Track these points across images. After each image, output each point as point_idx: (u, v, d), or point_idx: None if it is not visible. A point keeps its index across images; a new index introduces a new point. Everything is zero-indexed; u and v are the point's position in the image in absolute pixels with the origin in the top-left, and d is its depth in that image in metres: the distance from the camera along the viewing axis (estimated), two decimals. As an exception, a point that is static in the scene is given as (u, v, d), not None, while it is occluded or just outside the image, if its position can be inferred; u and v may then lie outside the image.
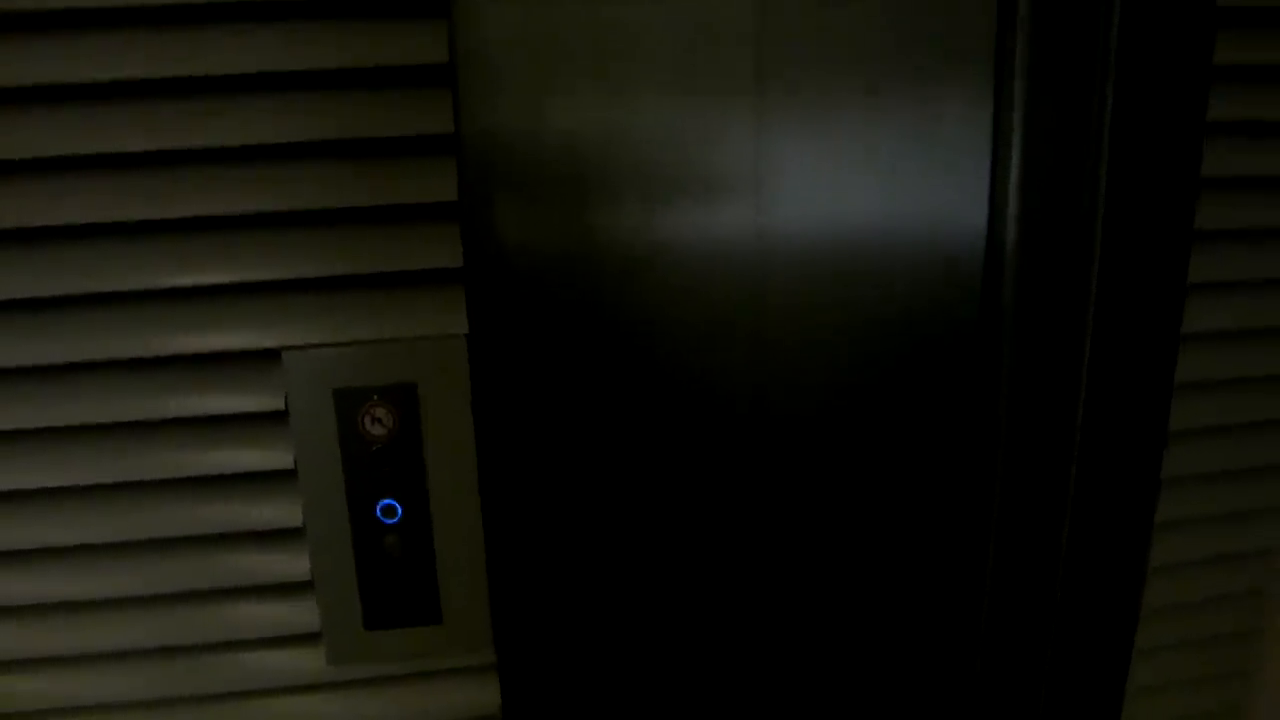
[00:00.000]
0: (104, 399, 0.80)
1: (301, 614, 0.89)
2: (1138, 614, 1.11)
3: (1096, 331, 1.06)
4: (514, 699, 0.96)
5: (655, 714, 1.04)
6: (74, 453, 0.82)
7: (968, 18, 0.99)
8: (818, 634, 1.10)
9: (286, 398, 0.82)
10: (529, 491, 0.92)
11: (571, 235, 0.87)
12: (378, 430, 0.83)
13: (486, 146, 0.81)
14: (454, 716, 0.94)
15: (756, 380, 1.01)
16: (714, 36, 0.90)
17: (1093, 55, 1.01)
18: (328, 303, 0.81)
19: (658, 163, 0.89)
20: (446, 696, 0.94)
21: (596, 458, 0.95)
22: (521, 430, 0.90)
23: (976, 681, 1.12)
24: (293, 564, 0.88)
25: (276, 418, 0.83)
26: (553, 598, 0.98)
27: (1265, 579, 1.13)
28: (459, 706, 0.94)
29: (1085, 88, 1.02)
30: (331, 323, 0.81)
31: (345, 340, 0.82)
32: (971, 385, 1.05)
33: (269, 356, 0.82)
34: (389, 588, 0.88)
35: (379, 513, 0.85)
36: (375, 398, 0.82)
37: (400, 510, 0.86)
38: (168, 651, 0.89)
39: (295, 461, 0.84)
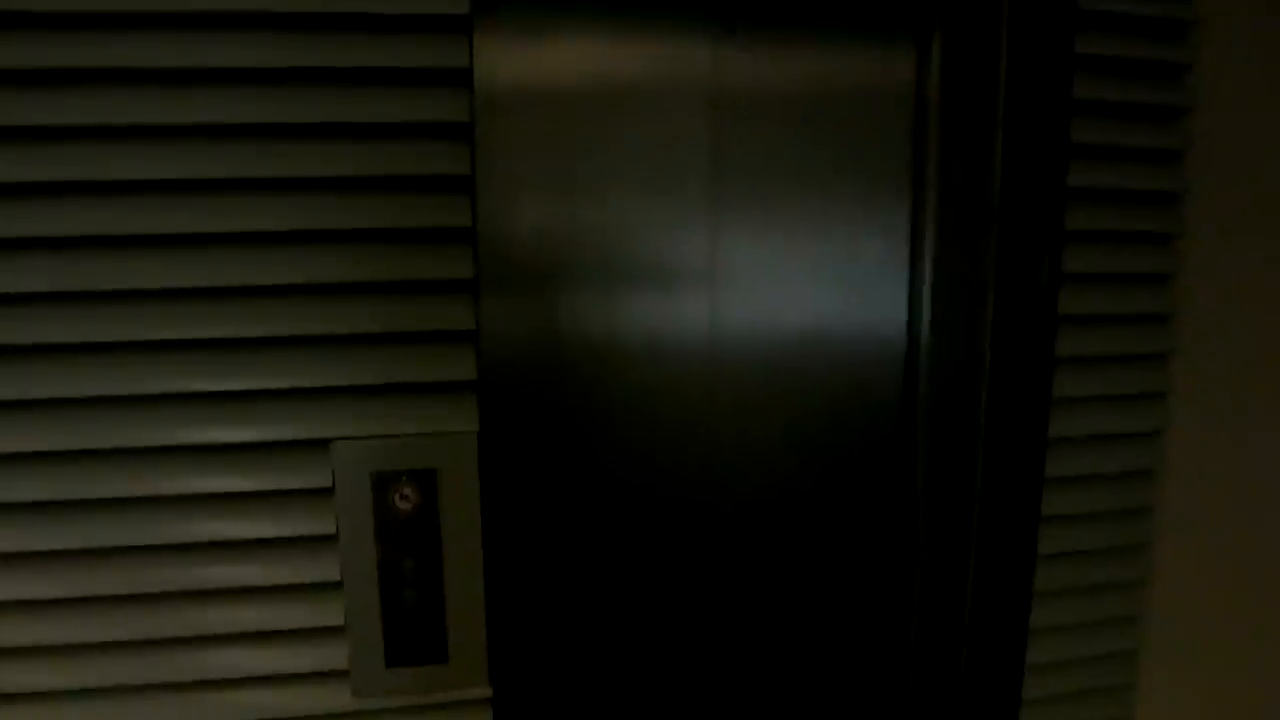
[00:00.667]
0: (193, 474, 1.02)
1: (330, 656, 1.10)
2: (1028, 620, 1.33)
3: (989, 411, 1.30)
4: (505, 728, 1.16)
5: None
6: (162, 516, 1.03)
7: (889, 151, 1.25)
8: (771, 669, 1.31)
9: (333, 477, 1.04)
10: (523, 556, 1.14)
11: (559, 339, 1.11)
12: (404, 505, 1.05)
13: (500, 278, 1.05)
14: (455, 742, 1.14)
15: (709, 461, 1.24)
16: (674, 157, 1.16)
17: (984, 197, 1.27)
18: (368, 404, 1.04)
19: (624, 267, 1.14)
20: (449, 725, 1.14)
21: (577, 529, 1.17)
22: (518, 507, 1.12)
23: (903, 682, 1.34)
24: (328, 613, 1.08)
25: (323, 493, 1.05)
26: (541, 644, 1.19)
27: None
28: (459, 733, 1.14)
29: (980, 222, 1.27)
30: (371, 420, 1.04)
31: (382, 434, 1.04)
32: (894, 461, 1.29)
33: (320, 445, 1.04)
34: (406, 632, 1.09)
35: (402, 571, 1.07)
36: (404, 479, 1.05)
37: (417, 568, 1.07)
38: (218, 684, 1.09)
39: (337, 528, 1.05)
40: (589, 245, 1.16)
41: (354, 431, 1.04)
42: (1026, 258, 1.28)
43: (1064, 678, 1.36)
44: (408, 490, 1.05)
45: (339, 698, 1.11)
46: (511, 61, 1.13)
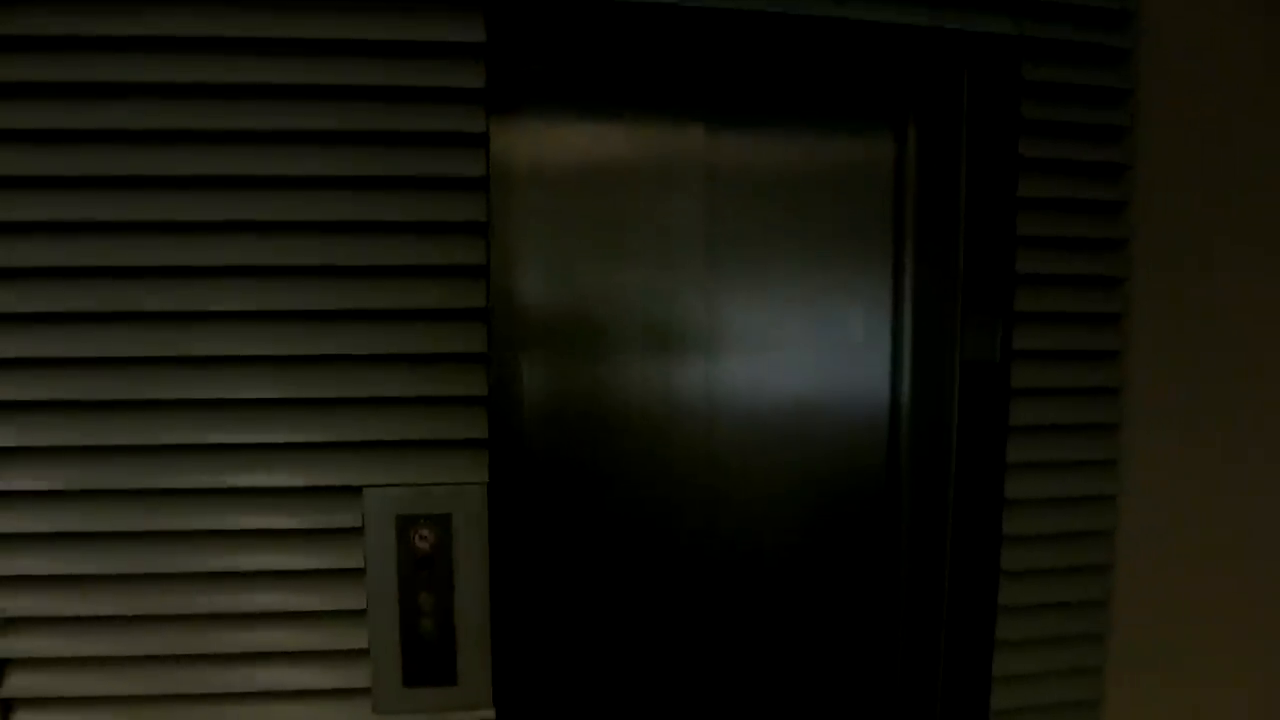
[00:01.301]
0: (243, 513, 1.20)
1: (354, 676, 1.26)
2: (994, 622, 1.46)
3: (959, 470, 1.45)
4: (505, 745, 1.32)
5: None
6: (214, 548, 1.21)
7: (873, 226, 1.43)
8: (762, 694, 1.47)
9: (363, 519, 1.21)
10: (526, 593, 1.31)
11: (563, 402, 1.28)
12: (423, 545, 1.22)
13: (510, 352, 1.23)
14: (461, 756, 1.29)
15: (705, 513, 1.41)
16: (673, 233, 1.34)
17: (949, 278, 1.43)
18: (395, 458, 1.21)
19: (623, 335, 1.32)
20: (456, 741, 1.29)
21: (577, 571, 1.34)
22: (523, 550, 1.29)
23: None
24: (353, 638, 1.25)
25: (353, 533, 1.22)
26: (541, 672, 1.35)
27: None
28: (465, 749, 1.30)
29: (948, 300, 1.43)
30: (397, 470, 1.21)
31: (405, 483, 1.21)
32: (881, 515, 1.46)
33: (353, 491, 1.21)
34: (422, 657, 1.25)
35: (419, 602, 1.23)
36: (423, 522, 1.21)
37: (433, 601, 1.24)
38: (255, 696, 1.25)
39: (365, 563, 1.22)
40: (592, 317, 1.34)
41: (382, 480, 1.22)
42: (984, 335, 1.44)
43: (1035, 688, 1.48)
44: (426, 532, 1.21)
45: (361, 713, 1.27)
46: (521, 166, 1.33)
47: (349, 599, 1.24)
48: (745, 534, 1.47)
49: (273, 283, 1.18)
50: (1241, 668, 1.55)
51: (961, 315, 1.45)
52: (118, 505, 1.20)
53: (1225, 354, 1.49)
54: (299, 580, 1.23)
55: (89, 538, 1.20)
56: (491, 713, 1.29)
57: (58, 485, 1.19)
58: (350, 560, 1.23)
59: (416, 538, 1.21)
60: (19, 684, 1.22)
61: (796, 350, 1.47)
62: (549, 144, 1.37)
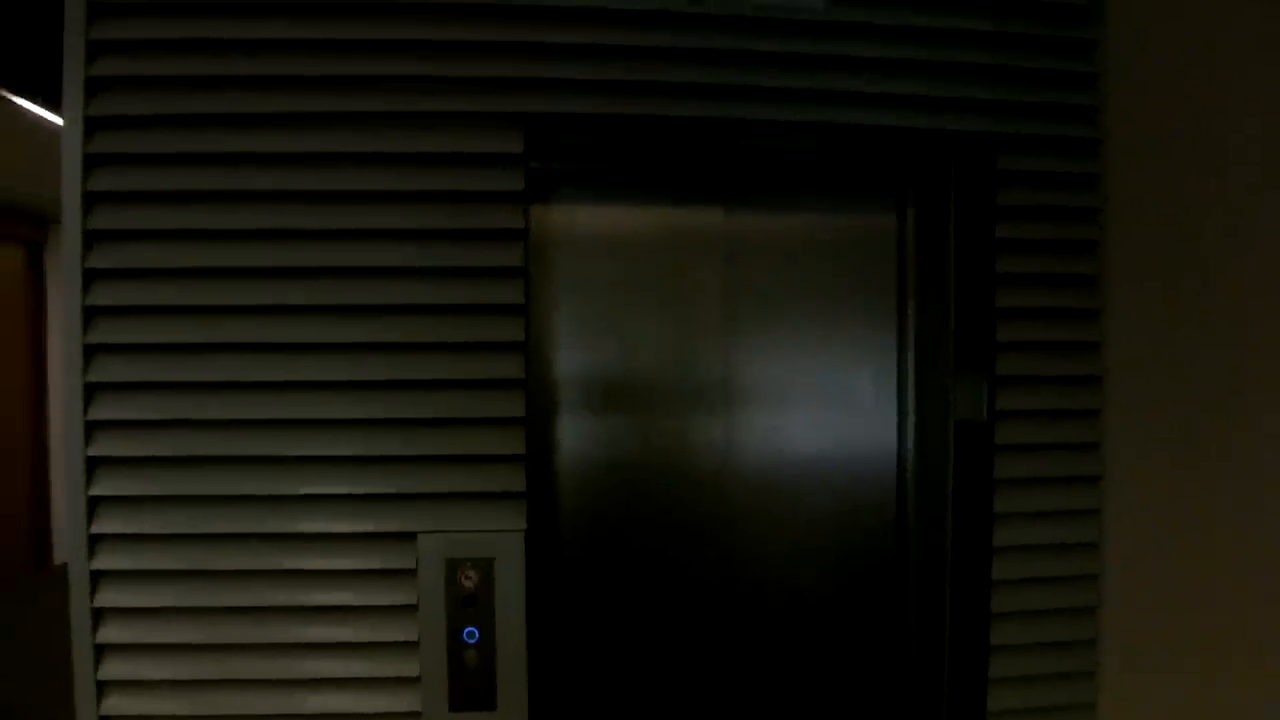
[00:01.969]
0: (314, 555, 1.39)
1: (406, 700, 1.43)
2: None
3: (954, 518, 1.60)
4: (539, 765, 1.48)
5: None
6: (286, 585, 1.39)
7: (878, 289, 1.61)
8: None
9: (417, 561, 1.39)
10: (559, 629, 1.48)
11: (592, 458, 1.47)
12: (468, 584, 1.39)
13: (545, 416, 1.42)
14: (501, 774, 1.46)
15: (724, 559, 1.59)
16: (693, 303, 1.53)
17: (944, 345, 1.59)
18: (445, 508, 1.40)
19: (647, 395, 1.52)
20: (496, 760, 1.46)
21: (605, 610, 1.51)
22: (557, 590, 1.46)
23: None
24: (406, 667, 1.42)
25: (408, 573, 1.40)
26: (572, 698, 1.52)
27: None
28: (504, 768, 1.46)
29: (942, 366, 1.59)
30: (446, 519, 1.39)
31: (453, 529, 1.39)
32: (890, 563, 1.61)
33: (408, 537, 1.39)
34: (465, 683, 1.42)
35: (464, 635, 1.41)
36: (468, 564, 1.39)
37: (477, 635, 1.41)
38: (318, 718, 1.43)
39: (418, 600, 1.40)
40: (618, 383, 1.53)
41: (433, 527, 1.40)
42: (973, 396, 1.60)
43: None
44: (471, 573, 1.39)
45: (412, 734, 1.44)
46: (555, 256, 1.53)
47: (403, 632, 1.42)
48: (761, 575, 1.63)
49: (343, 356, 1.38)
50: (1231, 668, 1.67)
51: (953, 377, 1.61)
52: (208, 547, 1.39)
53: (1192, 411, 1.63)
54: (360, 615, 1.41)
55: (184, 575, 1.39)
56: (527, 736, 1.46)
57: (153, 529, 1.39)
58: (404, 598, 1.41)
59: (463, 578, 1.39)
60: (118, 705, 1.41)
61: (810, 407, 1.65)
62: (580, 233, 1.57)
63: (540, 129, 1.45)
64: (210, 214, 1.40)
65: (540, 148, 1.47)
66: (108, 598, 1.40)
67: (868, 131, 1.54)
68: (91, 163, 1.40)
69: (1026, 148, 1.55)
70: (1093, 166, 1.57)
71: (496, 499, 1.42)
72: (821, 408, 1.66)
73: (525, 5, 1.42)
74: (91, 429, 1.40)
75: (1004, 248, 1.56)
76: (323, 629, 1.41)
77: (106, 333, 1.40)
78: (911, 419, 1.66)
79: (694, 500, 1.60)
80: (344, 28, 1.41)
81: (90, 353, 1.40)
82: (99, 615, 1.41)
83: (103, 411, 1.40)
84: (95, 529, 1.40)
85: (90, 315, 1.40)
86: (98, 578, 1.41)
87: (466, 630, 1.41)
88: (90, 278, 1.40)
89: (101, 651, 1.41)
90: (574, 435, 1.55)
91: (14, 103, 3.14)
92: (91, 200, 1.40)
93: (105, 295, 1.40)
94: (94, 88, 1.40)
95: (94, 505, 1.40)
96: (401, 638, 1.42)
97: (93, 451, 1.40)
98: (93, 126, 1.40)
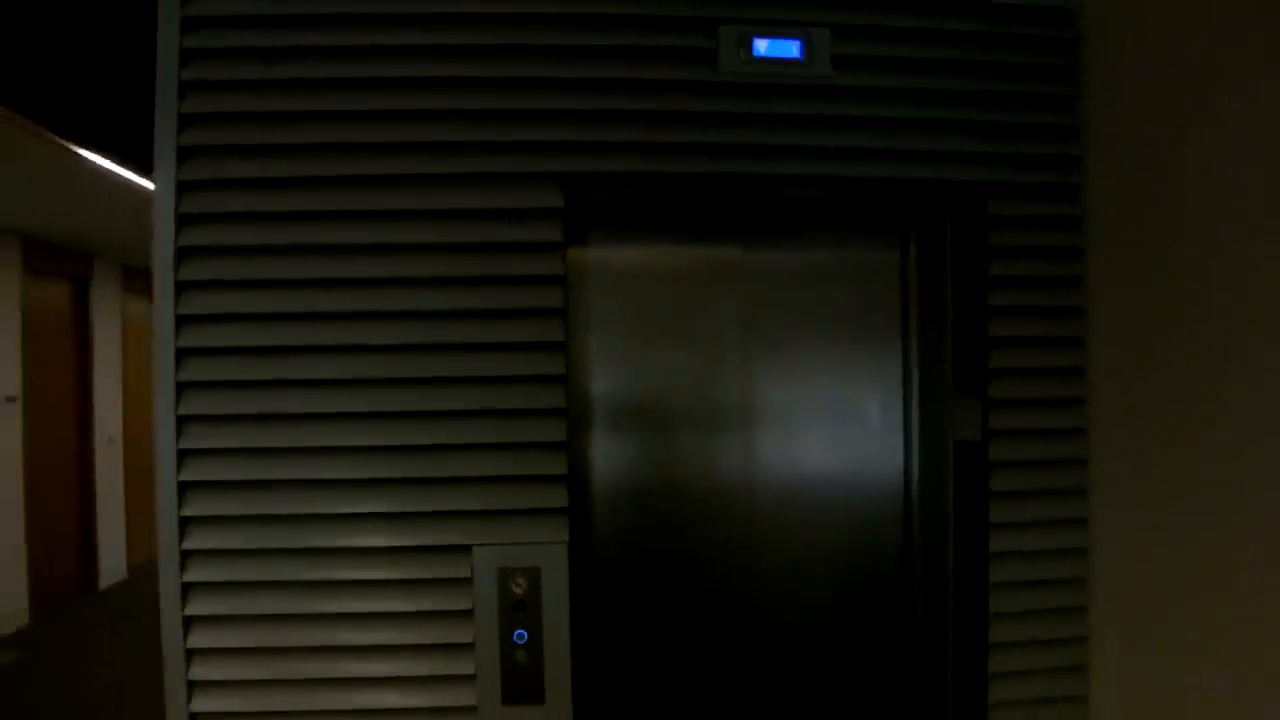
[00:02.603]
0: (381, 567, 1.56)
1: (463, 696, 1.59)
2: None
3: (956, 533, 1.75)
4: (583, 756, 1.64)
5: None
6: (356, 594, 1.57)
7: (884, 318, 1.78)
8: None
9: (472, 570, 1.57)
10: (598, 631, 1.65)
11: (626, 477, 1.65)
12: (518, 591, 1.56)
13: (584, 440, 1.60)
14: (547, 764, 1.62)
15: (746, 572, 1.75)
16: (715, 333, 1.74)
17: (943, 371, 1.75)
18: (497, 523, 1.57)
19: (673, 419, 1.71)
20: (543, 751, 1.62)
21: (639, 614, 1.68)
22: (596, 596, 1.63)
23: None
24: (463, 665, 1.59)
25: (464, 581, 1.58)
26: (611, 695, 1.68)
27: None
28: (550, 758, 1.62)
29: (942, 390, 1.76)
30: (498, 533, 1.57)
31: (505, 542, 1.57)
32: (896, 570, 1.77)
33: (464, 549, 1.57)
34: (516, 680, 1.58)
35: (515, 637, 1.57)
36: (518, 573, 1.56)
37: (526, 636, 1.58)
38: (383, 713, 1.59)
39: (473, 606, 1.57)
40: (648, 410, 1.71)
41: (486, 540, 1.58)
42: (969, 417, 1.76)
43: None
44: (521, 581, 1.56)
45: (469, 727, 1.61)
46: (590, 298, 1.71)
47: (459, 634, 1.59)
48: (781, 578, 1.79)
49: (406, 389, 1.57)
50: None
51: (951, 400, 1.77)
52: (288, 560, 1.57)
53: (1173, 431, 1.78)
54: (422, 620, 1.59)
55: (266, 585, 1.57)
56: (571, 728, 1.62)
57: (240, 545, 1.57)
58: (461, 604, 1.58)
59: (514, 585, 1.56)
60: (204, 704, 1.58)
61: (823, 427, 1.83)
62: (610, 273, 1.76)
63: (577, 186, 1.63)
64: (285, 265, 1.59)
65: (577, 202, 1.65)
66: (196, 607, 1.58)
67: (871, 182, 1.71)
68: (182, 221, 1.59)
69: (1016, 194, 1.72)
70: (1076, 209, 1.74)
71: (542, 514, 1.59)
72: (833, 427, 1.83)
73: (564, 78, 1.61)
74: (182, 456, 1.58)
75: (997, 283, 1.72)
76: (388, 633, 1.59)
77: (195, 371, 1.59)
78: (916, 438, 1.83)
79: (717, 512, 1.76)
80: (407, 99, 1.60)
81: (181, 389, 1.59)
82: (189, 622, 1.58)
83: (191, 441, 1.58)
84: (186, 545, 1.58)
85: (181, 356, 1.59)
86: (188, 589, 1.58)
87: (517, 632, 1.58)
88: (181, 322, 1.59)
89: (191, 655, 1.58)
90: (607, 456, 1.72)
91: (69, 151, 3.38)
92: (182, 254, 1.59)
93: (194, 338, 1.58)
94: (184, 155, 1.60)
95: (185, 524, 1.58)
96: (458, 640, 1.59)
97: (183, 477, 1.58)
98: (182, 189, 1.59)
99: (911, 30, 1.68)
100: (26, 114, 2.81)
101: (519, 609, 1.58)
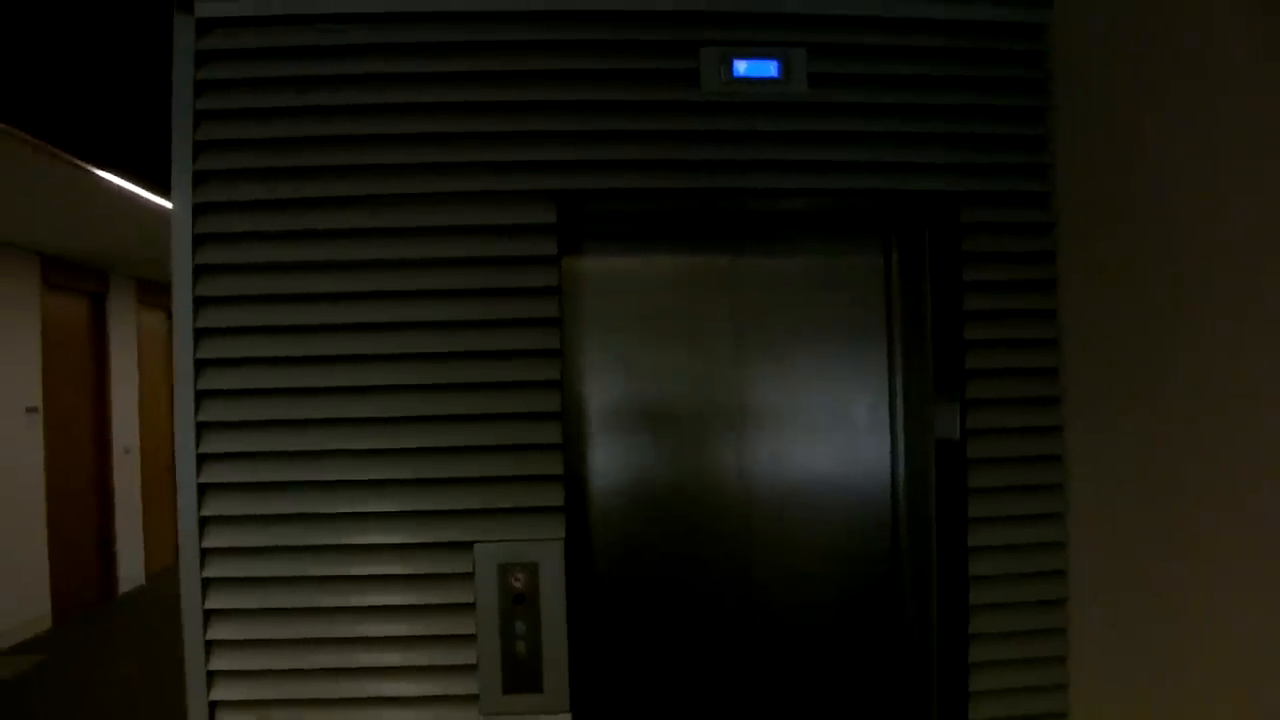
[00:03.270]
0: (386, 562, 1.66)
1: (465, 685, 1.68)
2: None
3: (939, 524, 1.84)
4: (580, 741, 1.73)
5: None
6: (361, 588, 1.66)
7: (869, 318, 1.86)
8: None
9: (474, 566, 1.66)
10: (594, 623, 1.74)
11: (620, 476, 1.74)
12: (517, 585, 1.65)
13: (579, 442, 1.69)
14: (546, 748, 1.71)
15: (740, 564, 1.84)
16: (706, 336, 1.81)
17: (924, 372, 1.84)
18: (497, 521, 1.66)
19: (667, 420, 1.80)
20: (543, 737, 1.71)
21: (633, 608, 1.77)
22: (591, 590, 1.72)
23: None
24: (465, 655, 1.68)
25: (466, 576, 1.67)
26: (606, 685, 1.77)
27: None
28: (549, 743, 1.71)
29: (924, 390, 1.84)
30: (498, 530, 1.66)
31: (505, 539, 1.66)
32: (883, 559, 1.86)
33: (466, 546, 1.66)
34: (516, 670, 1.67)
35: (515, 629, 1.67)
36: (517, 568, 1.65)
37: (525, 628, 1.67)
38: (388, 700, 1.68)
39: (475, 600, 1.66)
40: (641, 412, 1.81)
41: (487, 537, 1.67)
42: (949, 416, 1.84)
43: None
44: (520, 575, 1.65)
45: (470, 714, 1.69)
46: (584, 307, 1.80)
47: (461, 626, 1.68)
48: (771, 571, 1.88)
49: (411, 395, 1.67)
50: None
51: (932, 400, 1.86)
52: (299, 556, 1.67)
53: (1145, 424, 1.85)
54: (426, 612, 1.68)
55: (279, 581, 1.67)
56: (569, 715, 1.70)
57: (256, 543, 1.67)
58: (463, 597, 1.67)
59: (513, 580, 1.66)
60: (223, 693, 1.68)
61: (811, 428, 1.91)
62: (603, 282, 1.85)
63: (569, 202, 1.73)
64: (295, 280, 1.69)
65: (570, 217, 1.75)
66: (215, 601, 1.67)
67: (850, 194, 1.80)
68: (198, 241, 1.69)
69: (990, 202, 1.80)
70: (1048, 215, 1.82)
71: (540, 513, 1.68)
72: (820, 429, 1.92)
73: (556, 100, 1.71)
74: (201, 460, 1.68)
75: (974, 288, 1.80)
76: (394, 624, 1.68)
77: (213, 380, 1.69)
78: (902, 438, 1.92)
79: (706, 508, 1.86)
80: (409, 123, 1.70)
81: (200, 397, 1.69)
82: (208, 616, 1.68)
83: (210, 446, 1.68)
84: (206, 544, 1.68)
85: (199, 366, 1.69)
86: (207, 585, 1.68)
87: (516, 624, 1.67)
88: (199, 335, 1.69)
89: (210, 646, 1.68)
90: (602, 457, 1.82)
91: (86, 171, 3.50)
92: (199, 271, 1.69)
93: (211, 349, 1.69)
94: (199, 179, 1.70)
95: (204, 524, 1.68)
96: (460, 631, 1.68)
97: (202, 479, 1.68)
98: (198, 211, 1.70)
99: (884, 48, 1.76)
100: (46, 138, 2.93)
101: (518, 602, 1.67)
